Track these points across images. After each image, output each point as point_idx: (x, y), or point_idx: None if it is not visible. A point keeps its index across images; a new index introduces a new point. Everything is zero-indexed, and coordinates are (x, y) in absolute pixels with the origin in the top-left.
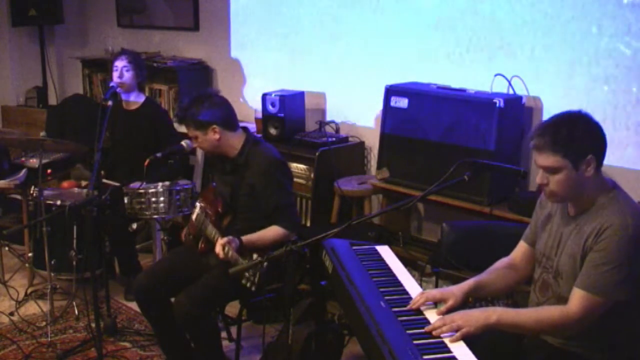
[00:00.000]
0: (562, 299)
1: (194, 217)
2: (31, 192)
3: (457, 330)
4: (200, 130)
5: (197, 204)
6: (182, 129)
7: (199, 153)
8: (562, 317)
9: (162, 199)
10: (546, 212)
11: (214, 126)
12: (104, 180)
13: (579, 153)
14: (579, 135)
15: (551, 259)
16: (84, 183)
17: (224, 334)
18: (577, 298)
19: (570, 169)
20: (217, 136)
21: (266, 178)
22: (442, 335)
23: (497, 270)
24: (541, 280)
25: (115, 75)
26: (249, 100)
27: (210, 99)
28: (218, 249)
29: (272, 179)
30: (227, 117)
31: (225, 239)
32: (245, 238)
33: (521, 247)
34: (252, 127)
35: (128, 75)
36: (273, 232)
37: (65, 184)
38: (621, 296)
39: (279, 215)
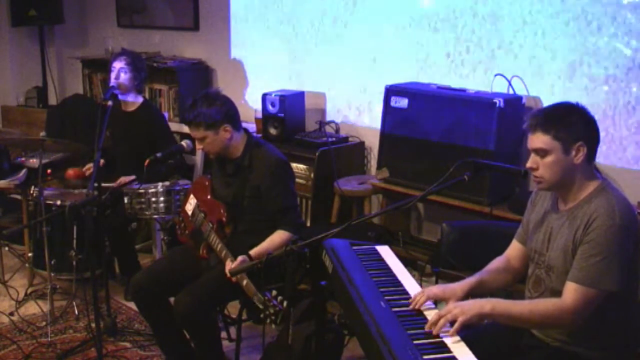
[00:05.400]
0: (556, 293)
1: (189, 212)
2: (31, 192)
3: (453, 322)
4: (211, 130)
5: (192, 197)
6: (180, 129)
7: (199, 153)
8: (557, 309)
9: (162, 199)
10: (537, 209)
11: (226, 125)
12: (103, 184)
13: (570, 137)
14: (573, 120)
15: (543, 254)
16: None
17: (223, 334)
18: (571, 291)
19: (560, 152)
20: (228, 135)
21: (272, 179)
22: (441, 334)
23: (494, 270)
24: (534, 276)
25: (112, 76)
26: (249, 100)
27: (219, 98)
28: (228, 274)
29: (278, 180)
30: (236, 116)
31: (236, 263)
32: (254, 252)
33: (514, 246)
34: (252, 127)
35: (125, 77)
36: (279, 238)
37: (70, 171)
38: (613, 286)
39: (283, 217)
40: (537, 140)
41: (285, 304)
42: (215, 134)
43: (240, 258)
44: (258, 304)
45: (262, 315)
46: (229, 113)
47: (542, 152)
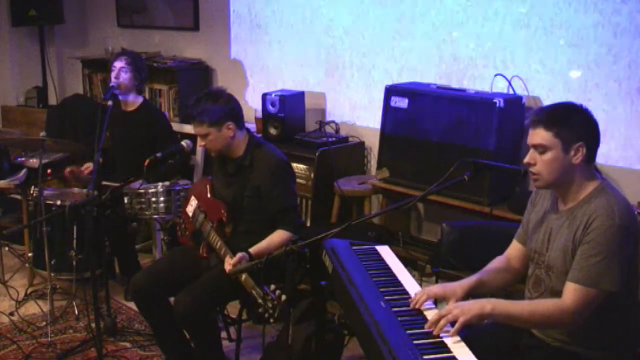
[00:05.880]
0: (556, 293)
1: (190, 213)
2: (31, 192)
3: (454, 322)
4: (214, 127)
5: (193, 199)
6: (180, 129)
7: (199, 153)
8: (557, 309)
9: (162, 199)
10: (537, 209)
11: (229, 123)
12: (103, 182)
13: (570, 136)
14: (575, 120)
15: (542, 255)
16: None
17: (224, 334)
18: (571, 291)
19: (559, 150)
20: (231, 133)
21: (273, 179)
22: (441, 334)
23: (494, 270)
24: (534, 276)
25: (113, 75)
26: (249, 100)
27: (222, 95)
28: (228, 269)
29: (279, 181)
30: (240, 115)
31: (235, 259)
32: (253, 250)
33: (514, 247)
34: (252, 127)
35: (125, 77)
36: (279, 237)
37: (67, 169)
38: (613, 286)
39: (283, 217)
40: (538, 136)
41: (283, 297)
42: (218, 131)
43: (239, 255)
44: (257, 297)
45: (260, 310)
46: (232, 111)
47: (541, 148)
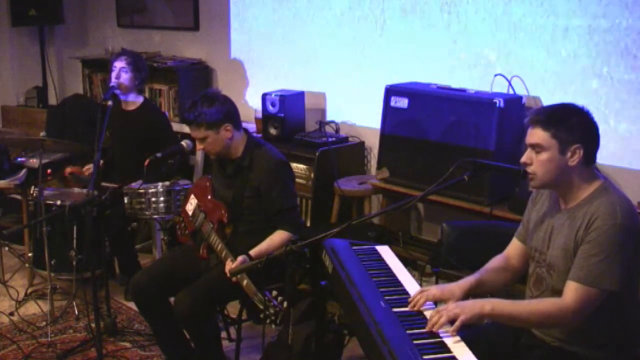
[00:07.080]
0: (557, 292)
1: (190, 212)
2: (31, 192)
3: (454, 320)
4: (212, 130)
5: (192, 197)
6: (180, 129)
7: (199, 153)
8: (557, 309)
9: (162, 199)
10: (538, 208)
11: (227, 124)
12: (103, 183)
13: (568, 138)
14: (574, 122)
15: (543, 253)
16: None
17: (224, 334)
18: (571, 290)
19: (556, 150)
20: (229, 134)
21: (272, 180)
22: (441, 334)
23: (494, 269)
24: (535, 274)
25: (113, 75)
26: (249, 100)
27: (218, 98)
28: (229, 273)
29: (278, 181)
30: (236, 116)
31: (236, 263)
32: (254, 253)
33: (514, 245)
34: (252, 127)
35: (126, 77)
36: (279, 238)
37: (68, 169)
38: (614, 286)
39: (283, 217)
40: (536, 135)
41: (285, 304)
42: (217, 134)
43: (240, 258)
44: (258, 304)
45: (262, 316)
46: (229, 112)
47: (538, 148)
